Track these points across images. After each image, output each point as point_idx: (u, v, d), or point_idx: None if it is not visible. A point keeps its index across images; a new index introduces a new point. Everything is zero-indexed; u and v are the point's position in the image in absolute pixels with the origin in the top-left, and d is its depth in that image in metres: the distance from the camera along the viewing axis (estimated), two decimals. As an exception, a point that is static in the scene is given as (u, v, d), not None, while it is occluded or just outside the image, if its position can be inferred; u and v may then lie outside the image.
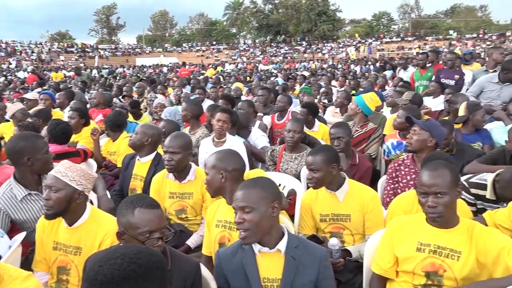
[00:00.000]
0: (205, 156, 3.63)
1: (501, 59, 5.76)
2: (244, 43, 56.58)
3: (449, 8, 62.87)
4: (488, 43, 40.66)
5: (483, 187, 2.79)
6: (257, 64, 33.94)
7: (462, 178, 2.99)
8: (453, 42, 42.44)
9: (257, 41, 57.52)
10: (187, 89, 9.04)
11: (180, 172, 2.97)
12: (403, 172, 3.12)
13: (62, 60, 43.12)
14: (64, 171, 2.22)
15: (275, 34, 55.13)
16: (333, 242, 2.36)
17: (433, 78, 6.49)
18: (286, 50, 49.43)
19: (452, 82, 6.08)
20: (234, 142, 3.94)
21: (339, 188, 2.67)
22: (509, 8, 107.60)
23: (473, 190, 2.83)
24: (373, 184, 3.44)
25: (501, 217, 2.36)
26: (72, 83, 13.04)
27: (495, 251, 1.88)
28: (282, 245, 1.92)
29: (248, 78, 15.10)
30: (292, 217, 3.04)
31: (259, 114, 5.55)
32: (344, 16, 59.40)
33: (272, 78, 13.19)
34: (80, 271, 2.21)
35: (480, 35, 45.91)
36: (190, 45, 55.14)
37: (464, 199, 2.79)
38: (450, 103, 4.62)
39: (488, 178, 2.81)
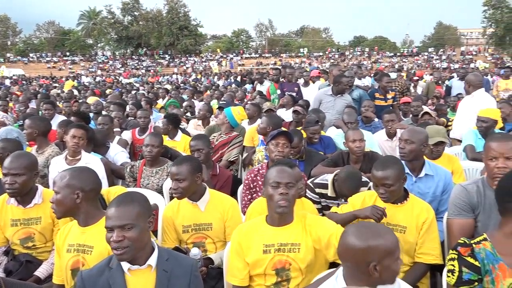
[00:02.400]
0: (57, 176, 3.33)
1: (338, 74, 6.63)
2: (103, 55, 53.46)
3: (299, 29, 69.72)
4: (332, 60, 46.22)
5: (325, 186, 3.18)
6: (117, 77, 32.37)
7: (309, 180, 3.37)
8: (304, 59, 47.10)
9: (117, 53, 54.85)
10: (33, 104, 8.15)
11: (25, 196, 2.67)
12: (260, 182, 3.33)
13: None
14: None
15: (136, 47, 53.38)
16: (194, 252, 2.40)
17: (278, 91, 7.15)
18: (148, 63, 48.32)
19: (294, 94, 6.89)
20: (90, 160, 3.71)
21: (200, 198, 2.74)
22: (347, 32, 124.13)
23: (317, 190, 3.19)
24: (235, 193, 3.62)
25: (346, 210, 2.70)
26: None
27: (326, 237, 2.17)
28: (153, 259, 1.90)
29: (108, 92, 14.30)
30: (155, 232, 2.99)
31: (116, 129, 5.34)
32: (206, 32, 60.99)
33: (134, 92, 12.76)
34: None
35: (327, 52, 51.89)
36: (38, 56, 49.70)
37: (310, 198, 3.13)
38: (299, 114, 5.12)
39: (328, 178, 3.20)
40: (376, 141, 4.77)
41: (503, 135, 2.50)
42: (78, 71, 41.87)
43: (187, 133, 5.31)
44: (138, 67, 46.21)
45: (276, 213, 2.17)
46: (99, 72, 42.29)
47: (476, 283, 1.75)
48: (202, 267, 2.46)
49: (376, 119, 5.57)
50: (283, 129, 3.83)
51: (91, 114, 6.44)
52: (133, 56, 51.88)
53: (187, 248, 2.63)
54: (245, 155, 4.95)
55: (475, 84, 5.03)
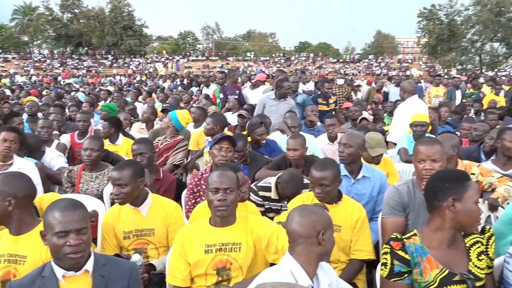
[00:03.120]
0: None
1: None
2: (40, 53, 50.44)
3: (246, 33, 70.28)
4: (278, 65, 47.04)
5: (268, 189, 3.24)
6: (56, 77, 30.72)
7: (253, 184, 3.42)
8: (250, 63, 47.53)
9: (55, 51, 51.99)
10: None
11: None
12: (203, 186, 3.31)
13: None
14: None
15: (76, 46, 50.92)
16: (135, 258, 2.36)
17: (220, 94, 7.20)
18: (90, 63, 46.31)
19: (235, 97, 6.98)
20: (24, 165, 3.51)
21: (142, 203, 2.69)
22: (293, 37, 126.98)
23: (261, 193, 3.25)
24: (180, 197, 3.58)
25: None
26: None
27: (267, 236, 2.23)
28: (89, 265, 1.86)
29: (44, 92, 13.56)
30: (94, 240, 2.88)
31: (55, 132, 5.08)
32: (151, 32, 59.62)
33: (73, 93, 12.19)
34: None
35: (274, 56, 52.69)
36: (-35, 52, 45.98)
37: (254, 201, 3.18)
38: (244, 118, 5.17)
39: (271, 181, 3.27)
40: (318, 145, 4.94)
41: (430, 139, 2.69)
42: (11, 69, 39.20)
43: (130, 137, 5.17)
44: (78, 67, 44.15)
45: (216, 217, 2.22)
46: (32, 71, 39.77)
47: (406, 275, 1.87)
48: (143, 273, 2.42)
49: (319, 123, 5.77)
50: (226, 133, 3.85)
51: (25, 116, 6.09)
52: (73, 55, 49.49)
53: (128, 255, 2.56)
54: (190, 158, 4.92)
55: (409, 91, 5.37)
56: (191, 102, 8.98)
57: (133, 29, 50.04)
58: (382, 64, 46.95)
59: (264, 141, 4.50)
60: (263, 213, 3.18)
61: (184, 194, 3.52)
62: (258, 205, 3.17)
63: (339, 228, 2.62)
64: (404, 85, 5.56)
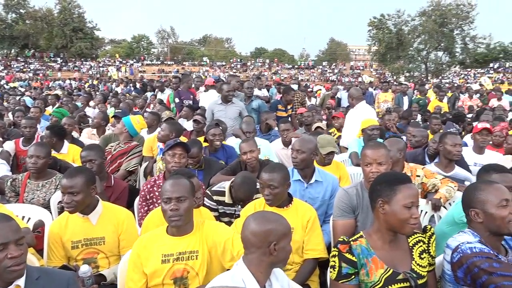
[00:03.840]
0: None
1: (237, 86, 6.82)
2: (-19, 55, 47.50)
3: (202, 38, 69.96)
4: (234, 70, 47.17)
5: (222, 193, 3.25)
6: (-1, 81, 29.02)
7: (207, 189, 3.41)
8: (206, 68, 47.32)
9: (-2, 53, 49.20)
10: None
11: None
12: (157, 193, 3.27)
13: None
14: None
15: (22, 48, 48.38)
16: (84, 269, 2.27)
17: (175, 99, 7.14)
18: (37, 66, 44.14)
19: (190, 102, 7.00)
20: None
21: (92, 211, 2.61)
22: (249, 43, 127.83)
23: (215, 197, 3.25)
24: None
25: (240, 224, 2.76)
26: None
27: (222, 243, 2.24)
28: (21, 280, 1.76)
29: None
30: (40, 251, 2.76)
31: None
32: (103, 35, 57.91)
33: (18, 97, 11.58)
34: None
35: (231, 61, 52.74)
36: None
37: (208, 206, 3.17)
38: (199, 123, 5.14)
39: (226, 185, 3.28)
40: (273, 150, 5.01)
41: (376, 143, 2.81)
42: None
43: (79, 143, 4.99)
44: (24, 70, 41.95)
45: (171, 226, 2.20)
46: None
47: (353, 276, 1.94)
48: (93, 284, 2.33)
49: (276, 128, 5.85)
50: (180, 139, 3.81)
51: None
52: (19, 58, 46.98)
53: (76, 266, 2.47)
54: (144, 164, 4.81)
55: (357, 97, 5.58)
56: (146, 107, 8.80)
57: (83, 31, 48.32)
58: (336, 71, 48.35)
59: (219, 143, 4.49)
60: (217, 218, 3.18)
61: (136, 201, 3.44)
62: (212, 209, 3.16)
63: (292, 230, 2.66)
64: (352, 92, 5.77)
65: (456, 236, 2.07)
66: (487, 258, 1.85)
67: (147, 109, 8.57)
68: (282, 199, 2.68)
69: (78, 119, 7.07)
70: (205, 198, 3.24)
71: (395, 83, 17.65)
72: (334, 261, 1.97)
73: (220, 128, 4.64)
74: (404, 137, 5.65)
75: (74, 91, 17.55)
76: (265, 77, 41.14)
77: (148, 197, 3.25)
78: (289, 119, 6.28)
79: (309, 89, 13.08)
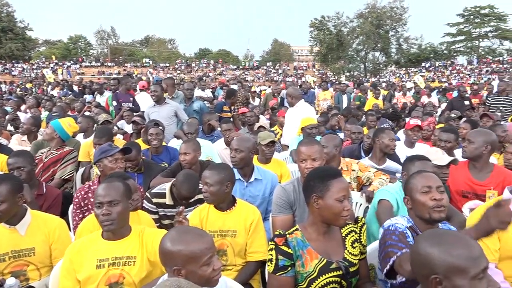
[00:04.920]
0: None
1: (171, 85, 6.72)
2: None
3: (144, 38, 68.26)
4: (179, 71, 46.47)
5: (163, 195, 3.19)
6: None
7: (147, 191, 3.33)
8: (149, 70, 46.21)
9: None
10: None
11: None
12: (92, 200, 3.14)
13: None
14: None
15: None
16: (10, 282, 2.14)
17: (113, 102, 6.92)
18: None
19: (130, 104, 6.83)
20: None
21: (20, 221, 2.46)
22: (193, 44, 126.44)
23: (154, 200, 3.18)
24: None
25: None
26: None
27: None
28: None
29: None
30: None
31: None
32: (37, 36, 54.70)
33: None
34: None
35: (177, 62, 51.83)
36: None
37: (147, 209, 3.10)
38: (138, 124, 5.02)
39: (166, 186, 3.23)
40: (216, 150, 5.01)
41: (310, 140, 2.91)
42: None
43: (8, 150, 4.67)
44: None
45: (104, 231, 2.14)
46: None
47: (290, 268, 1.99)
48: (21, 298, 2.21)
49: (219, 129, 5.84)
50: (117, 143, 3.71)
51: None
52: None
53: (2, 280, 2.32)
54: (81, 170, 4.61)
55: (296, 96, 5.72)
56: (84, 111, 8.43)
57: (14, 31, 45.45)
58: (280, 71, 49.17)
59: (156, 142, 4.40)
60: (157, 221, 3.12)
61: (71, 208, 3.29)
62: (152, 212, 3.09)
63: (235, 233, 2.67)
64: (290, 91, 5.88)
65: (392, 219, 2.20)
66: (392, 233, 2.00)
67: (86, 113, 8.23)
68: (219, 199, 2.67)
69: (8, 124, 6.64)
70: (144, 201, 3.17)
71: (336, 82, 18.30)
72: (271, 255, 2.02)
73: (160, 128, 4.56)
74: (342, 134, 5.90)
75: (4, 95, 16.42)
76: (210, 78, 41.02)
77: (82, 204, 3.11)
78: (231, 119, 6.30)
79: (252, 90, 13.21)
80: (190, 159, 3.67)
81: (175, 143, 5.07)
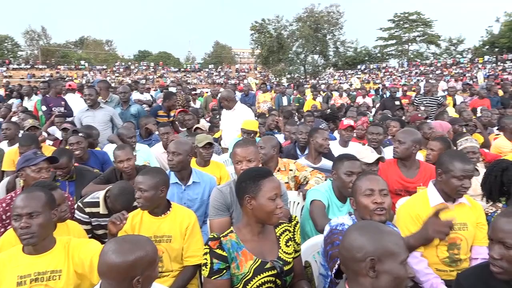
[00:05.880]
0: None
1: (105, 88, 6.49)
2: None
3: (78, 40, 65.04)
4: (117, 74, 44.90)
5: (96, 204, 3.05)
6: None
7: (79, 200, 3.17)
8: (85, 72, 44.20)
9: None
10: None
11: None
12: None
13: None
14: None
15: None
16: None
17: (43, 107, 6.56)
18: None
19: (61, 109, 6.54)
20: None
21: None
22: (132, 46, 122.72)
23: (87, 209, 3.04)
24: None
25: None
26: None
27: (88, 259, 2.09)
28: None
29: None
30: None
31: None
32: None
33: None
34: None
35: (116, 65, 49.91)
36: None
37: (79, 219, 2.96)
38: (67, 131, 4.78)
39: (100, 195, 3.09)
40: (154, 154, 4.89)
41: (245, 141, 2.92)
42: None
43: None
44: None
45: (23, 245, 2.01)
46: None
47: (225, 271, 1.98)
48: None
49: (157, 133, 5.70)
50: (44, 150, 3.50)
51: None
52: None
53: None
54: (5, 180, 4.29)
55: (232, 99, 5.74)
56: (10, 116, 7.85)
57: None
58: (222, 73, 49.16)
59: (79, 152, 4.17)
60: (90, 231, 2.98)
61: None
62: (83, 223, 2.95)
63: (170, 239, 2.62)
64: (225, 95, 5.87)
65: (339, 217, 2.27)
66: (339, 233, 2.08)
67: (13, 118, 7.68)
68: (155, 204, 2.61)
69: None
70: (76, 211, 3.02)
71: (277, 84, 18.64)
72: (206, 259, 2.00)
73: (81, 134, 4.34)
74: (282, 135, 6.02)
75: None
76: (150, 80, 40.05)
77: (4, 216, 2.89)
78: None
79: (193, 92, 13.08)
80: (133, 164, 3.56)
81: (110, 148, 4.87)
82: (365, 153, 3.22)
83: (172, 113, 6.60)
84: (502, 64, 36.50)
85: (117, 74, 44.10)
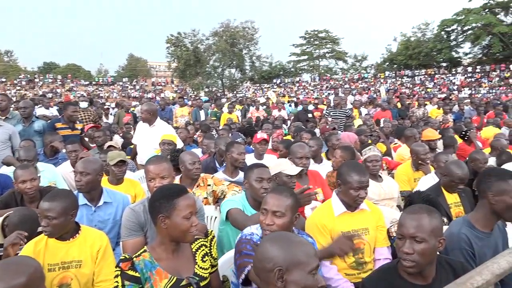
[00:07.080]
0: None
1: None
2: None
3: (-29, 49, 58.64)
4: (19, 87, 41.24)
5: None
6: None
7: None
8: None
9: None
10: None
11: None
12: None
13: None
14: None
15: None
16: None
17: None
18: None
19: None
20: None
21: None
22: (36, 57, 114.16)
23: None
24: None
25: None
26: None
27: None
28: None
29: None
30: None
31: None
32: None
33: None
34: None
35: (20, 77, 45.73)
36: None
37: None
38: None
39: (-1, 221, 2.80)
40: (61, 174, 4.55)
41: (158, 158, 2.85)
42: None
43: None
44: None
45: None
46: None
47: None
48: None
49: (64, 150, 5.30)
50: None
51: None
52: None
53: None
54: None
55: (155, 113, 5.60)
56: None
57: None
58: (137, 87, 47.61)
59: None
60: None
61: None
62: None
63: (80, 264, 2.45)
64: (147, 108, 5.68)
65: (252, 227, 2.31)
66: (247, 242, 2.12)
67: None
68: (63, 230, 2.43)
69: None
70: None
71: (194, 98, 18.53)
72: (117, 281, 1.91)
73: None
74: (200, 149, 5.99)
75: None
76: (58, 94, 37.44)
77: None
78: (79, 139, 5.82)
79: (105, 107, 12.49)
80: (37, 185, 3.30)
81: (7, 170, 4.42)
82: (287, 165, 3.33)
83: (77, 126, 6.19)
84: (400, 79, 40.38)
85: (18, 87, 40.51)
